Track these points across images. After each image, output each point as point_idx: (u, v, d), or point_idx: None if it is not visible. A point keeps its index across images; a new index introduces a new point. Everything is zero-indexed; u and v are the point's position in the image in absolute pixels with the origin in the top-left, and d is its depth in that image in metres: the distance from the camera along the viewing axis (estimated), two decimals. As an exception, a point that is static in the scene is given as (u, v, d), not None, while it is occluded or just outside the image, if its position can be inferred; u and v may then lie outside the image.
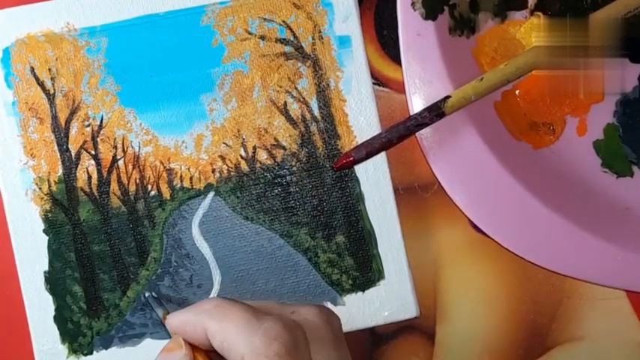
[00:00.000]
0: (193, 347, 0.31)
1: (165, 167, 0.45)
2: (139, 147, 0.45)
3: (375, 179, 0.45)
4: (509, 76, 0.41)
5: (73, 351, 0.45)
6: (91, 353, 0.45)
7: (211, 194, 0.45)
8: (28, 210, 0.45)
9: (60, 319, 0.45)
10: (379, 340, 0.47)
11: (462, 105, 0.41)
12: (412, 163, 0.47)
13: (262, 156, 0.46)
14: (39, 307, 0.44)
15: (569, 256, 0.42)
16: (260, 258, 0.45)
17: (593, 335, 0.46)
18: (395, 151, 0.46)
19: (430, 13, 0.43)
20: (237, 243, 0.45)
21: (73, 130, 0.45)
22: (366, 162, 0.44)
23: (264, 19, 0.46)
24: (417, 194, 0.47)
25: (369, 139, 0.41)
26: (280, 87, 0.46)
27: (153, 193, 0.45)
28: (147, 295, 0.37)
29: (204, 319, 0.30)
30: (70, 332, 0.45)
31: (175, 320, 0.31)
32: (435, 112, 0.40)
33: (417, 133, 0.42)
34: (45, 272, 0.45)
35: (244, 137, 0.46)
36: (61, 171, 0.45)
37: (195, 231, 0.45)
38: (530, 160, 0.45)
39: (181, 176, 0.45)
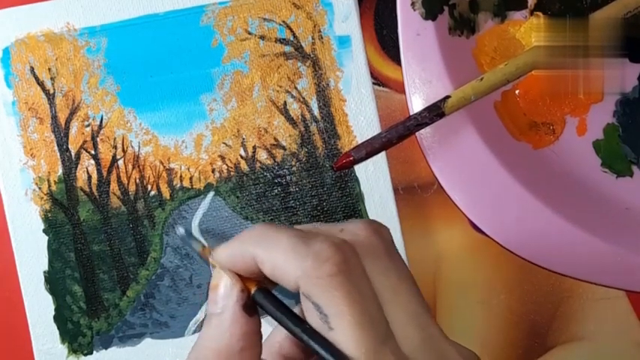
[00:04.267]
0: (244, 278, 0.30)
1: (165, 167, 0.45)
2: (139, 147, 0.45)
3: (375, 179, 0.45)
4: (509, 76, 0.41)
5: (73, 351, 0.45)
6: (91, 353, 0.45)
7: (211, 194, 0.45)
8: (28, 210, 0.45)
9: (60, 318, 0.45)
10: (379, 340, 0.47)
11: (461, 105, 0.41)
12: (412, 163, 0.47)
13: (262, 156, 0.46)
14: (39, 307, 0.44)
15: (569, 256, 0.42)
16: (260, 258, 0.45)
17: (593, 335, 0.46)
18: (395, 151, 0.46)
19: (430, 13, 0.43)
20: (237, 243, 0.45)
21: (73, 130, 0.45)
22: (366, 162, 0.44)
23: (264, 19, 0.46)
24: (416, 194, 0.47)
25: (369, 139, 0.40)
26: (280, 87, 0.46)
27: (153, 193, 0.45)
28: (180, 231, 0.35)
29: (250, 248, 0.29)
30: (70, 332, 0.45)
31: (223, 254, 0.30)
32: (435, 112, 0.40)
33: (416, 133, 0.42)
34: (45, 272, 0.45)
35: (244, 137, 0.46)
36: (60, 171, 0.45)
37: (195, 231, 0.45)
38: (530, 160, 0.44)
39: (181, 176, 0.45)
